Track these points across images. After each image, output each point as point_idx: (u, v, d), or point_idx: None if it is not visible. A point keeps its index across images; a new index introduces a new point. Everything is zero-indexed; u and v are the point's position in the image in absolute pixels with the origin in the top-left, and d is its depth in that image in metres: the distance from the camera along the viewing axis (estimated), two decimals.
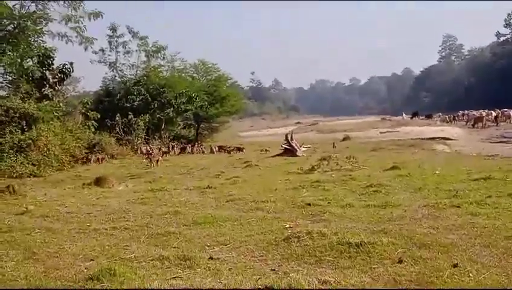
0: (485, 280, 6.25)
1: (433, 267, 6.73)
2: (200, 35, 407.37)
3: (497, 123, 54.82)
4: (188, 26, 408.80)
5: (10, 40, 26.33)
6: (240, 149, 37.77)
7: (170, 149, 38.49)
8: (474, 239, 7.93)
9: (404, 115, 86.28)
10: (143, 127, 41.58)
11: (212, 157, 32.74)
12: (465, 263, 6.80)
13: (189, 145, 41.17)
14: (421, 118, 76.96)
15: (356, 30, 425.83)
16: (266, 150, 36.40)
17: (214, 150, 38.47)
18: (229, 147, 39.01)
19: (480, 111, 65.46)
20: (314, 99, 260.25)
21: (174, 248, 8.34)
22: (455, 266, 6.70)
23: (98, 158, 31.13)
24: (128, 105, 43.60)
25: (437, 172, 16.91)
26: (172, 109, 46.35)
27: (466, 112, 71.12)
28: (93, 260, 7.83)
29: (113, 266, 6.98)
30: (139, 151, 35.90)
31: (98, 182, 17.99)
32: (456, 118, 67.47)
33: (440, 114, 79.83)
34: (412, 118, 77.06)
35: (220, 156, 33.88)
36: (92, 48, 32.61)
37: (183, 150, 38.85)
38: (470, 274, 6.43)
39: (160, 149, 37.25)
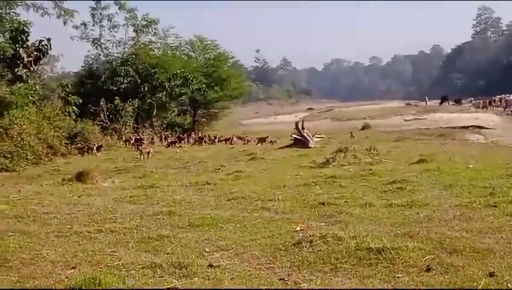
0: None
1: (465, 276, 6.71)
2: (197, 9, 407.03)
3: None
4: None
5: None
6: (263, 140, 36.68)
7: (185, 137, 38.22)
8: None
9: (427, 100, 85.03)
10: (131, 114, 41.68)
11: (211, 149, 32.74)
12: (503, 272, 6.77)
13: (186, 135, 40.90)
14: (450, 103, 75.96)
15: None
16: (273, 141, 36.20)
17: (215, 140, 38.13)
18: (246, 137, 38.47)
19: None
20: (329, 81, 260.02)
21: (168, 253, 8.35)
22: (491, 275, 6.68)
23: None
24: (114, 88, 43.63)
25: (471, 166, 16.90)
26: (165, 92, 46.41)
27: (504, 96, 70.56)
28: (74, 267, 7.82)
29: (97, 275, 6.97)
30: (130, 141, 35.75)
31: (80, 177, 18.00)
32: (493, 103, 66.76)
33: (472, 99, 78.86)
34: (440, 103, 76.09)
35: (220, 148, 33.88)
36: (72, 21, 32.56)
37: (200, 141, 38.30)
38: (509, 285, 6.41)
39: (179, 138, 37.65)
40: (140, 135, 39.19)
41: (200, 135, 41.58)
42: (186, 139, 37.99)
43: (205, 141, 38.08)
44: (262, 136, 37.78)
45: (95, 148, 30.97)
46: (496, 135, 35.36)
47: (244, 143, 36.79)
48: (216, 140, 38.25)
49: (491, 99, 68.63)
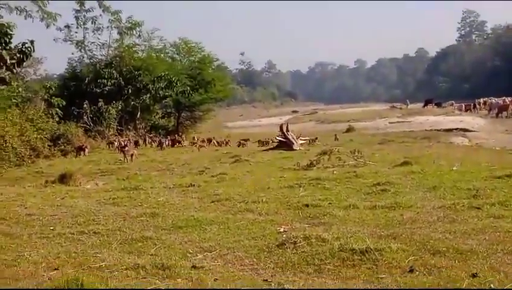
0: None
1: (448, 277, 6.75)
2: (180, 10, 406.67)
3: None
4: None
5: None
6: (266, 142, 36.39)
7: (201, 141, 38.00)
8: (497, 245, 7.95)
9: (408, 102, 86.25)
10: (115, 116, 41.44)
11: (196, 152, 32.67)
12: (486, 273, 6.81)
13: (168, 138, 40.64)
14: (433, 106, 75.78)
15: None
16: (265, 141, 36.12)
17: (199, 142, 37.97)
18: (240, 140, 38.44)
19: (504, 98, 65.15)
20: (314, 84, 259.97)
21: (151, 255, 8.33)
22: (474, 275, 6.72)
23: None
24: (98, 90, 43.34)
25: (455, 168, 16.93)
26: (149, 95, 46.15)
27: (488, 99, 70.60)
28: (57, 269, 7.79)
29: (80, 276, 6.93)
30: (115, 144, 35.49)
31: (63, 179, 17.90)
32: (477, 106, 66.69)
33: (453, 102, 78.63)
34: (424, 106, 76.24)
35: (204, 150, 33.81)
36: (54, 24, 32.33)
37: (208, 142, 38.29)
38: (491, 285, 6.44)
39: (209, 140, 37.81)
40: (131, 138, 38.99)
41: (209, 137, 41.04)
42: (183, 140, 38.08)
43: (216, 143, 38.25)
44: (265, 139, 37.31)
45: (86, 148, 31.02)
46: (480, 138, 35.57)
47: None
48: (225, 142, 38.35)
49: (476, 102, 68.46)
